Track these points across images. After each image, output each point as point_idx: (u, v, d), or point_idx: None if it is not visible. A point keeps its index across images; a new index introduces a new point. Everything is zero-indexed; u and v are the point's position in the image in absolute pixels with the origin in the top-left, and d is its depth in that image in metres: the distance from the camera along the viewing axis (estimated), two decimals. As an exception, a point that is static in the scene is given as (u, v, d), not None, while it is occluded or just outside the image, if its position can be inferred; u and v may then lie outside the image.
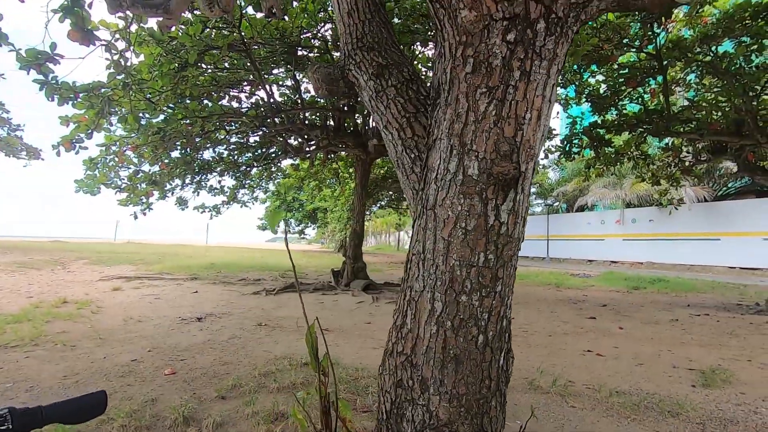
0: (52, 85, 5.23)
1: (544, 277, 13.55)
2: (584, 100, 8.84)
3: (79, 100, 5.83)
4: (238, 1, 5.71)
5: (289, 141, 10.36)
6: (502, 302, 1.06)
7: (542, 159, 10.93)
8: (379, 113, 1.45)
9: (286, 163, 13.57)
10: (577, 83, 8.50)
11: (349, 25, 1.77)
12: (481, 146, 0.96)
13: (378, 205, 24.99)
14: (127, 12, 4.25)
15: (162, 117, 7.35)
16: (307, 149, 10.78)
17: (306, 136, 10.13)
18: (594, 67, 8.19)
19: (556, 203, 26.56)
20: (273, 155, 12.44)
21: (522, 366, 3.85)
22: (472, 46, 0.94)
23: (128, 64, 5.95)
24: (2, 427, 0.65)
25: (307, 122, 9.63)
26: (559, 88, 10.06)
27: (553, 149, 10.13)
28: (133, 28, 5.77)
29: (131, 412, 2.68)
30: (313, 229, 34.57)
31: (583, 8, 0.96)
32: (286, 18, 6.60)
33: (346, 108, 9.51)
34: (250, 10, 6.36)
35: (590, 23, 6.26)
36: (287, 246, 1.44)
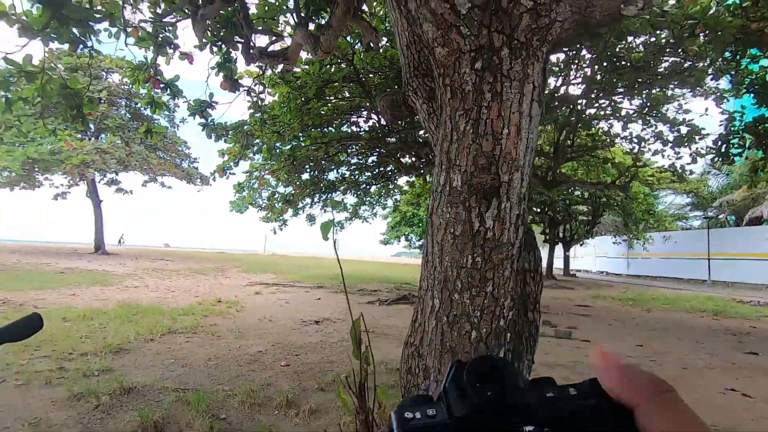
0: (210, 126, 6.56)
1: (698, 302, 11.47)
2: (744, 90, 7.44)
3: (229, 136, 7.20)
4: (348, 38, 6.42)
5: (402, 160, 10.92)
6: (496, 303, 1.12)
7: (688, 164, 9.44)
8: (431, 133, 1.63)
9: (403, 180, 14.22)
10: (733, 72, 7.22)
11: (407, 56, 1.99)
12: (462, 161, 1.07)
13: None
14: (258, 63, 5.16)
15: (292, 145, 8.50)
16: (420, 166, 11.20)
17: (417, 154, 10.55)
18: (754, 51, 6.86)
19: (721, 215, 22.12)
20: (390, 173, 13.20)
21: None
22: (449, 75, 1.07)
23: (264, 103, 7.13)
24: None
25: (420, 140, 10.05)
26: (710, 81, 8.63)
27: (703, 151, 8.71)
28: (268, 72, 6.93)
29: (249, 391, 3.24)
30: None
31: (547, 31, 0.99)
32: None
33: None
34: (358, 45, 7.04)
35: (734, 2, 5.37)
36: (337, 258, 1.70)
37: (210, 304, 7.69)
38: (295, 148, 8.19)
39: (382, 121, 8.88)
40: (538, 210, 19.43)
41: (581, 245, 25.78)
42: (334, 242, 1.52)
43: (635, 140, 9.51)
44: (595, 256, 30.58)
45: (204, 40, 5.42)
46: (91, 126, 18.69)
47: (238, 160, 7.94)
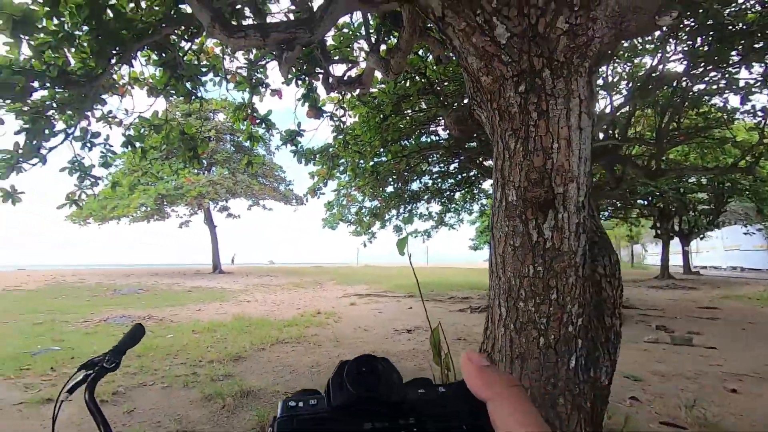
0: (300, 152, 7.18)
1: None
2: None
3: (317, 159, 7.79)
4: (419, 52, 6.59)
5: (485, 163, 10.73)
6: (563, 309, 1.12)
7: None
8: (495, 146, 1.70)
9: (488, 183, 13.91)
10: None
11: (467, 75, 2.10)
12: (515, 177, 1.11)
13: (601, 217, 22.25)
14: (337, 91, 5.55)
15: (374, 162, 8.89)
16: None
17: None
18: None
19: None
20: (473, 178, 13.02)
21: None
22: (495, 100, 1.13)
23: (345, 125, 7.59)
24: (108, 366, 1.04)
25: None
26: None
27: None
28: (348, 96, 7.40)
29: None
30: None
31: (586, 48, 0.99)
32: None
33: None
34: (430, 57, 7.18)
35: None
36: (413, 270, 1.82)
37: (310, 315, 8.30)
38: (377, 164, 8.57)
39: (460, 128, 8.86)
40: (645, 202, 17.53)
41: (702, 238, 22.48)
42: (409, 256, 1.65)
43: (760, 113, 8.20)
44: (724, 249, 26.43)
45: (289, 76, 6.01)
46: (204, 162, 21.38)
47: (326, 181, 8.54)
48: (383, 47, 5.72)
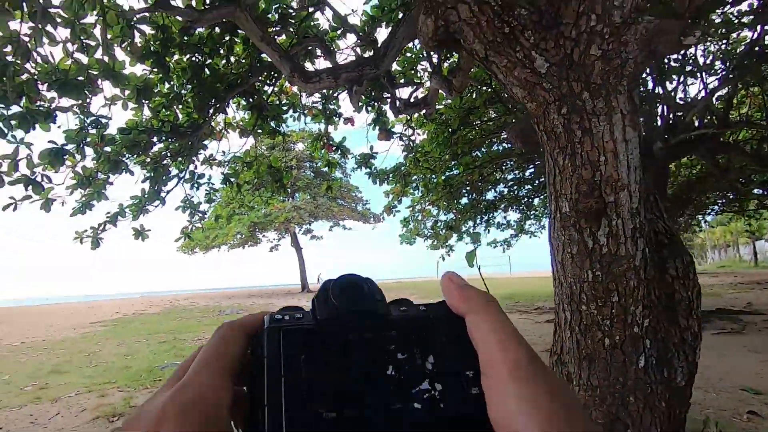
0: (374, 173, 7.57)
1: None
2: None
3: (390, 179, 8.12)
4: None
5: (562, 166, 10.27)
6: (626, 311, 1.14)
7: None
8: (546, 163, 1.79)
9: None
10: None
11: (517, 99, 2.21)
12: (567, 190, 1.18)
13: (711, 211, 19.69)
14: (404, 114, 5.82)
15: (446, 175, 9.00)
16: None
17: (580, 157, 9.79)
18: None
19: None
20: (552, 182, 12.46)
21: None
22: (542, 123, 1.22)
23: (415, 143, 7.85)
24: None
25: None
26: None
27: None
28: (416, 115, 7.66)
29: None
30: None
31: (621, 69, 1.04)
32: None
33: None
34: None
35: None
36: (483, 283, 1.92)
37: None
38: (449, 177, 8.67)
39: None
40: (764, 192, 15.33)
41: None
42: (479, 268, 1.76)
43: None
44: None
45: (360, 104, 6.46)
46: (288, 189, 23.10)
47: (401, 198, 8.82)
48: (446, 65, 5.91)
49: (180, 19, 3.08)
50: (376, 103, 6.43)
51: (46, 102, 3.86)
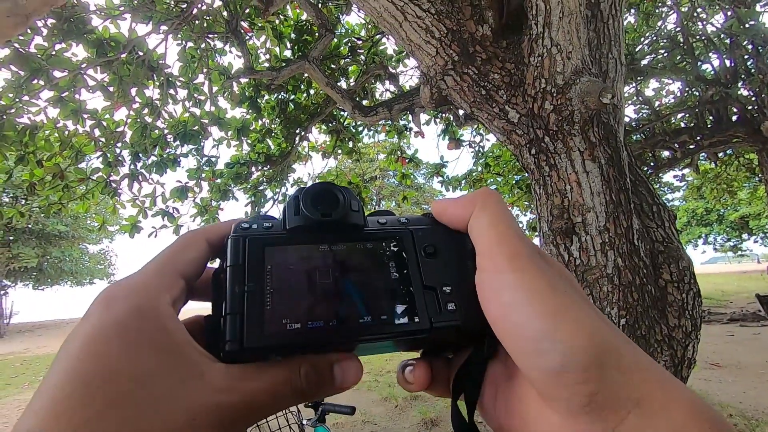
0: (446, 181, 7.86)
1: None
2: None
3: (462, 185, 8.33)
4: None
5: (656, 155, 9.41)
6: (602, 312, 1.34)
7: None
8: (532, 191, 2.01)
9: (669, 176, 12.00)
10: None
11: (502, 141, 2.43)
12: (544, 213, 1.41)
13: None
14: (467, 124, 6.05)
15: (518, 177, 8.92)
16: (685, 154, 9.34)
17: (676, 145, 8.90)
18: None
19: None
20: (649, 173, 11.44)
21: None
22: (521, 160, 1.47)
23: (485, 148, 7.98)
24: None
25: (671, 130, 8.56)
26: None
27: None
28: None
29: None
30: (758, 242, 26.21)
31: (571, 118, 1.25)
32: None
33: (721, 96, 7.77)
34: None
35: None
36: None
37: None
38: (522, 179, 8.59)
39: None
40: None
41: None
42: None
43: None
44: None
45: (427, 118, 6.83)
46: (373, 198, 24.16)
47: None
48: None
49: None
50: (443, 115, 6.75)
51: (172, 149, 4.89)
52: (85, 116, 3.66)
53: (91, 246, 19.66)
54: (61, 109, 3.44)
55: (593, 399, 0.21)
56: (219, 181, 5.47)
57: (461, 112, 5.82)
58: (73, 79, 3.27)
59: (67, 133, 3.84)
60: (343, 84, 5.26)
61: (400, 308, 0.27)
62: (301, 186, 0.47)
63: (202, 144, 5.04)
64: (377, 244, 0.29)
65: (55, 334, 14.32)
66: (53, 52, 3.10)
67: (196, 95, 4.71)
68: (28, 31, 2.83)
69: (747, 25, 3.42)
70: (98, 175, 4.08)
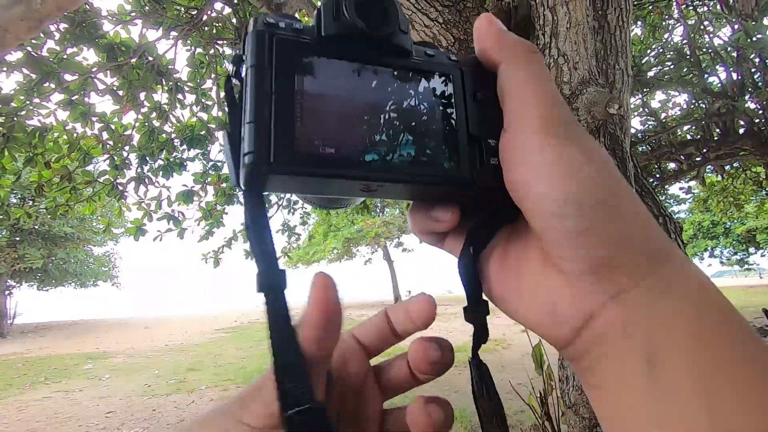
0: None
1: None
2: None
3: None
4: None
5: (663, 167, 9.40)
6: None
7: None
8: None
9: (675, 188, 11.96)
10: None
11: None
12: None
13: None
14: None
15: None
16: (691, 166, 9.32)
17: (682, 157, 8.88)
18: None
19: None
20: (654, 185, 11.41)
21: None
22: None
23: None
24: None
25: (677, 142, 8.55)
26: None
27: None
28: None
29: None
30: (765, 256, 25.91)
31: None
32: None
33: (727, 109, 7.76)
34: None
35: None
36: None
37: (480, 342, 8.57)
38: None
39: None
40: None
41: None
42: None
43: None
44: None
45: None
46: (374, 210, 24.17)
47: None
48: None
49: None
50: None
51: (179, 153, 4.92)
52: (94, 119, 3.70)
53: (95, 248, 19.81)
54: (71, 112, 3.49)
55: (608, 263, 0.22)
56: (224, 185, 5.49)
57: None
58: (84, 82, 3.31)
59: (75, 135, 3.88)
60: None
61: (441, 152, 0.25)
62: None
63: (208, 148, 5.06)
64: (424, 77, 0.26)
65: (58, 336, 14.38)
66: (65, 56, 3.15)
67: (203, 100, 4.75)
68: (41, 35, 2.88)
69: (754, 39, 3.43)
70: (105, 177, 4.12)
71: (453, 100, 0.27)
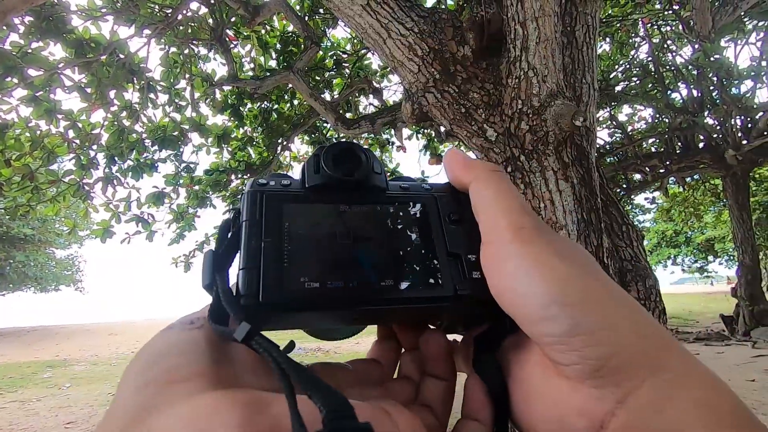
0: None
1: None
2: None
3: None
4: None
5: (628, 177, 9.78)
6: None
7: None
8: None
9: (640, 198, 12.47)
10: None
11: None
12: None
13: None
14: (447, 141, 6.15)
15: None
16: (654, 178, 9.74)
17: (647, 168, 9.28)
18: None
19: None
20: (621, 195, 11.85)
21: None
22: None
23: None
24: None
25: (643, 154, 8.93)
26: None
27: None
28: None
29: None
30: (722, 264, 27.18)
31: (546, 139, 1.32)
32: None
33: (688, 124, 8.18)
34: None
35: None
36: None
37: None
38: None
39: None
40: None
41: None
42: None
43: None
44: None
45: (409, 133, 6.92)
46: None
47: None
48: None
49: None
50: (425, 130, 6.83)
51: (150, 154, 4.78)
52: (60, 117, 3.57)
53: (58, 251, 18.91)
54: (35, 109, 3.35)
55: (606, 363, 0.21)
56: (197, 188, 5.37)
57: (442, 128, 5.94)
58: (49, 78, 3.19)
59: (39, 132, 3.72)
60: (326, 96, 5.28)
61: (423, 274, 0.26)
62: (321, 145, 0.35)
63: (181, 150, 4.95)
64: (400, 208, 0.29)
65: (14, 342, 13.63)
66: (29, 50, 3.03)
67: (177, 100, 4.65)
68: (4, 27, 2.76)
69: (712, 59, 3.64)
70: (71, 177, 3.96)
71: (431, 224, 0.28)
